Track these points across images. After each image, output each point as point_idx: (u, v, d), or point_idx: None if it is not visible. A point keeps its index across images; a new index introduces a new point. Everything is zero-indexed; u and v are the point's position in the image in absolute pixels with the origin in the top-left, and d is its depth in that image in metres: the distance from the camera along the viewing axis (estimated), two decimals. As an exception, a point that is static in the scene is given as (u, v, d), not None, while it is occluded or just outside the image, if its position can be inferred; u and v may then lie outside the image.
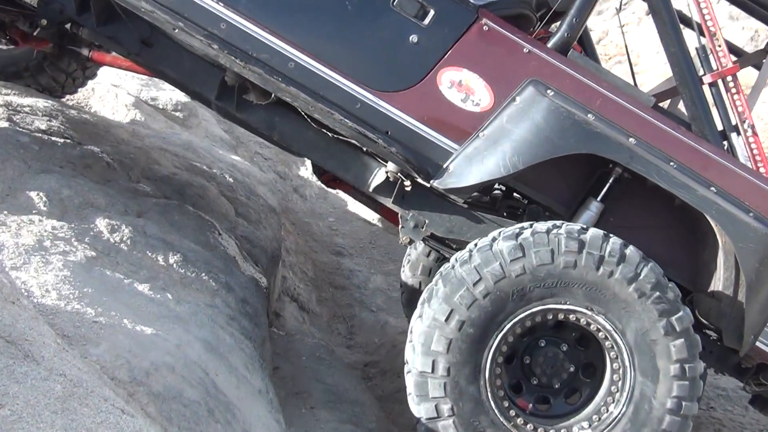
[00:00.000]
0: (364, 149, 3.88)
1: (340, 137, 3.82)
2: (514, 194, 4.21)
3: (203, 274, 4.02)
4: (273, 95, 3.82)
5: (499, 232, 3.58)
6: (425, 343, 3.45)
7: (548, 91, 3.59)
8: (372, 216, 8.32)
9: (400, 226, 3.96)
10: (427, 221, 3.91)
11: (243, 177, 6.17)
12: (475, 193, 3.90)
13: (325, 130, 3.84)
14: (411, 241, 4.00)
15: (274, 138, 4.03)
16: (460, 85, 3.64)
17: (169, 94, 7.22)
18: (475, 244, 3.57)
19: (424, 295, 3.61)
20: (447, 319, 3.43)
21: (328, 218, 8.32)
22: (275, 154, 8.46)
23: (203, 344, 3.41)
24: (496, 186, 4.26)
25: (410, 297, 5.62)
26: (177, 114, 7.19)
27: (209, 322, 3.67)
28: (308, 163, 8.45)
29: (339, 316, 6.61)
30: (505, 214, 4.07)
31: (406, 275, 5.67)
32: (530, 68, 3.62)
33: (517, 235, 3.51)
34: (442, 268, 3.61)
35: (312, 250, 7.49)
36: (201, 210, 4.82)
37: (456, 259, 3.57)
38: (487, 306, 3.43)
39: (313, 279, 6.88)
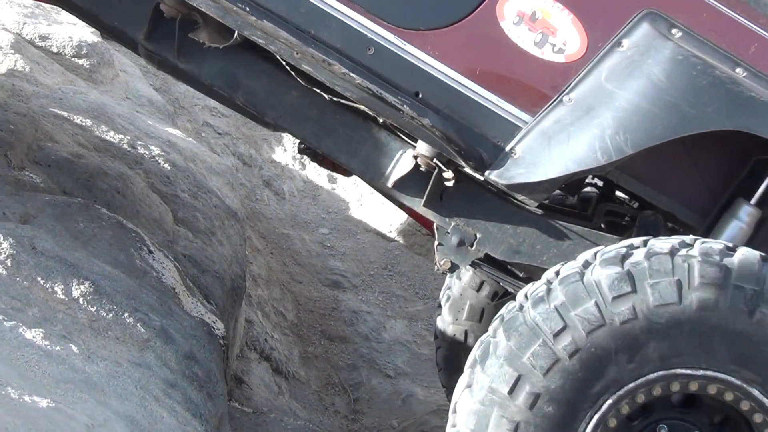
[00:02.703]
0: (380, 121, 3.92)
1: (342, 101, 3.86)
2: (618, 194, 4.24)
3: (126, 315, 4.04)
4: (236, 34, 3.86)
5: (595, 254, 3.60)
6: (477, 429, 3.48)
7: (673, 31, 3.62)
8: (388, 226, 8.33)
9: (436, 242, 3.99)
10: (479, 236, 3.94)
11: (185, 162, 6.21)
12: (555, 192, 3.91)
13: (318, 91, 3.88)
14: (453, 267, 4.03)
15: (238, 101, 4.07)
16: (534, 21, 3.68)
17: (69, 31, 7.24)
18: (557, 273, 3.59)
19: (474, 353, 3.64)
20: (512, 391, 3.45)
21: (320, 229, 8.34)
22: (236, 127, 8.48)
23: (128, 424, 3.43)
24: (589, 180, 4.28)
25: (450, 355, 5.64)
26: (81, 62, 7.21)
27: (137, 390, 3.69)
28: (288, 140, 8.48)
29: (336, 383, 6.64)
30: (603, 225, 4.10)
31: (445, 321, 5.69)
32: (645, -6, 3.65)
33: (624, 257, 3.52)
34: (503, 310, 3.64)
35: (293, 279, 7.51)
36: (120, 213, 4.85)
37: (526, 296, 3.59)
38: (577, 370, 3.45)
39: (294, 325, 6.90)
